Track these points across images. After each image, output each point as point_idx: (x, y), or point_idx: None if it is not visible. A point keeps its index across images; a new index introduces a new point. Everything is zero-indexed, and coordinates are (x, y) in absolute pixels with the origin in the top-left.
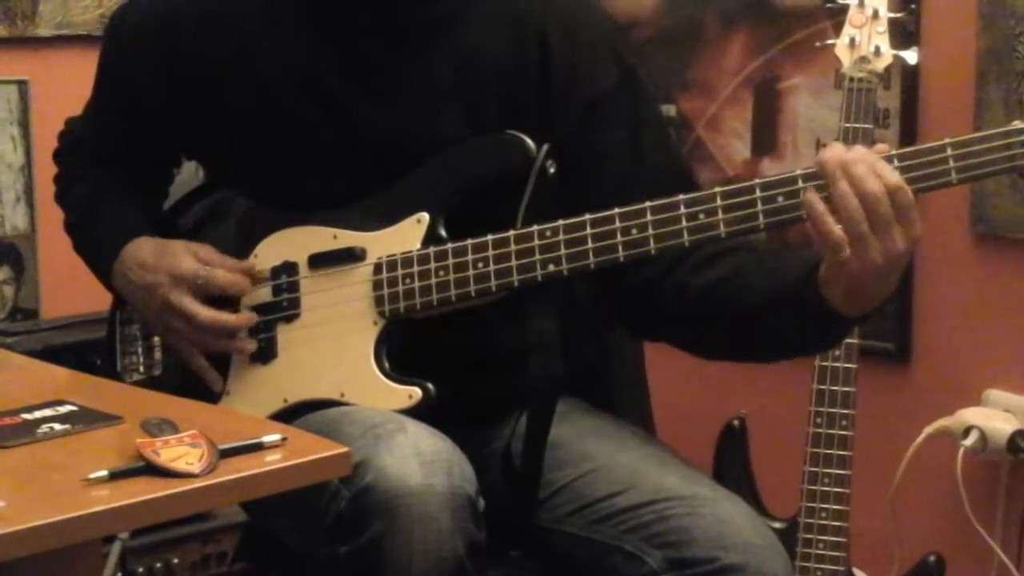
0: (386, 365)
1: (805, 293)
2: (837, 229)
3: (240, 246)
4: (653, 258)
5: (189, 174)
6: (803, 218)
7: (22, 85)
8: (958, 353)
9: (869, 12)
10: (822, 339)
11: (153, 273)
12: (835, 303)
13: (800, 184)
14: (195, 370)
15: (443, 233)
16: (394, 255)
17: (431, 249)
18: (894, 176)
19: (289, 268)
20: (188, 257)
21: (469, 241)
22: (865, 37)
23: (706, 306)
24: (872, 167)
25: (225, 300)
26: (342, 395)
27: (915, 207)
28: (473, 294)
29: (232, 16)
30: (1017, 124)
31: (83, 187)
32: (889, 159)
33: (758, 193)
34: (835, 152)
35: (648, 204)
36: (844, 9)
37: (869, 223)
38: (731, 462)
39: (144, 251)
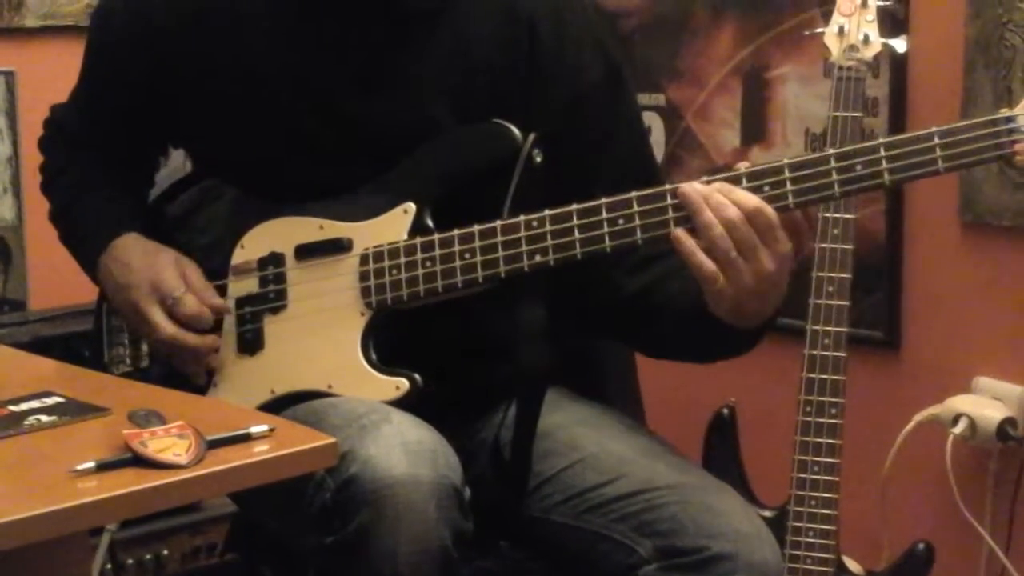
0: (373, 356)
1: (703, 307)
2: (708, 262)
3: (227, 236)
4: (605, 256)
5: (177, 164)
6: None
7: (8, 76)
8: (947, 341)
9: (858, 0)
10: (734, 347)
11: (135, 275)
12: (727, 320)
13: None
14: (176, 365)
15: (430, 223)
16: (380, 246)
17: (418, 240)
18: (750, 199)
19: (275, 259)
20: (173, 272)
21: (456, 232)
22: (854, 25)
23: (637, 309)
24: (727, 194)
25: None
26: (329, 386)
27: (778, 226)
28: (460, 285)
29: (221, 4)
30: (1004, 112)
31: (68, 176)
32: (737, 180)
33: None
34: (693, 186)
35: (635, 194)
36: None
37: (736, 249)
38: (720, 451)
39: (133, 251)
